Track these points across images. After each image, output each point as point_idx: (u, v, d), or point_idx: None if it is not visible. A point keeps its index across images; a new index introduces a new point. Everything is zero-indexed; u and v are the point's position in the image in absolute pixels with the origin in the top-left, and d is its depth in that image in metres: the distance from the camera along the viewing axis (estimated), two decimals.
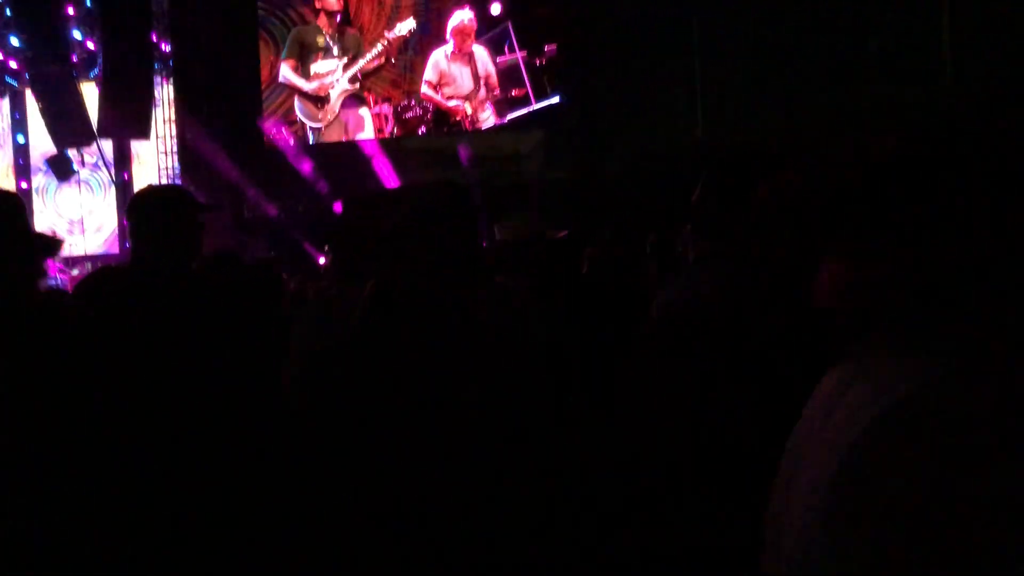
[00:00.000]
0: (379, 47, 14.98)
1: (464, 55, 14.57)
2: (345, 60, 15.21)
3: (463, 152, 13.78)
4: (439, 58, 14.76)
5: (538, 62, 14.05)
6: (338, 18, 15.24)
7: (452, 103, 14.59)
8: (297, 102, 15.34)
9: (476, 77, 14.46)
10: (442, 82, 14.65)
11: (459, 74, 14.58)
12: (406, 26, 14.81)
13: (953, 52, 8.30)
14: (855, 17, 9.22)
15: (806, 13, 10.07)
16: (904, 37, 8.81)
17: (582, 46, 13.44)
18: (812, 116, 9.11)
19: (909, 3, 8.90)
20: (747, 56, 10.64)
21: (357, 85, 15.22)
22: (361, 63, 15.10)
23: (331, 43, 15.38)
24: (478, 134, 14.04)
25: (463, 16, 14.55)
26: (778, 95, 10.01)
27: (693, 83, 11.90)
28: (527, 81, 14.09)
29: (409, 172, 13.49)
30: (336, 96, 15.19)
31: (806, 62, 9.71)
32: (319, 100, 15.26)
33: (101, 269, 2.84)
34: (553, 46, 13.88)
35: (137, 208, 2.57)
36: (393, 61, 14.95)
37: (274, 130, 14.71)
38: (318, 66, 15.38)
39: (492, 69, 14.41)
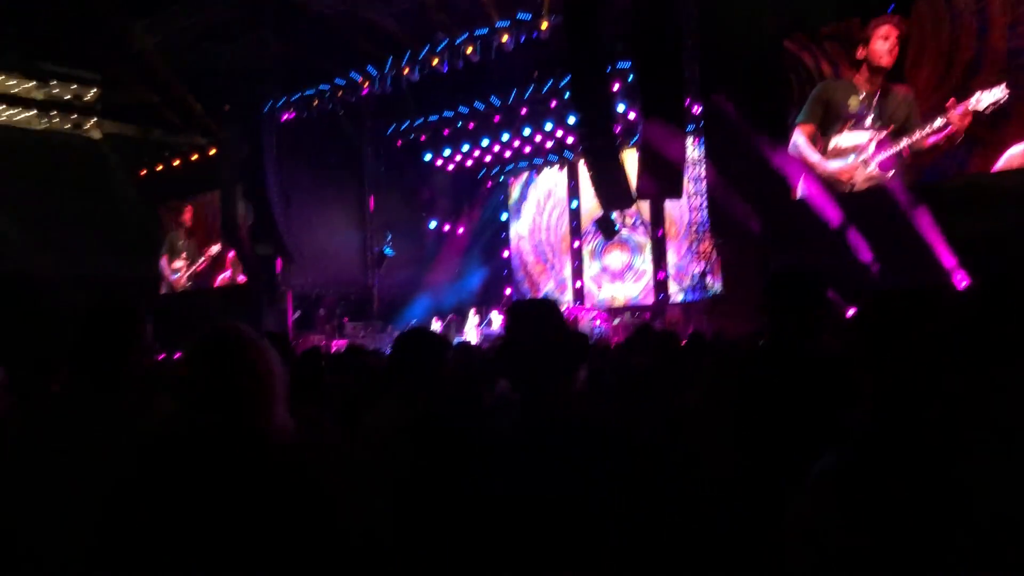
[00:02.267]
0: (940, 121, 11.40)
1: None
2: (882, 134, 12.14)
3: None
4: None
5: None
6: (883, 75, 12.30)
7: None
8: (802, 184, 13.31)
9: None
10: None
11: None
12: (991, 96, 11.02)
13: None
14: None
15: None
16: None
17: None
18: None
19: None
20: None
21: (890, 174, 12.02)
22: (906, 141, 11.83)
23: (866, 108, 12.23)
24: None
25: None
26: None
27: None
28: None
29: (951, 218, 12.12)
30: (860, 184, 12.49)
31: None
32: (836, 186, 12.93)
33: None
34: None
35: (774, 290, 2.76)
36: (957, 143, 11.30)
37: (806, 184, 13.99)
38: (843, 139, 12.65)
39: None
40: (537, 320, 2.31)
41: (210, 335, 2.05)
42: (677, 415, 3.23)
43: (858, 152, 12.50)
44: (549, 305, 2.41)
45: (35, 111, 34.84)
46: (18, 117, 33.96)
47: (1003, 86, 11.08)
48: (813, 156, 13.05)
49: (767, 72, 14.24)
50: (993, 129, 11.31)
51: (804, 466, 2.02)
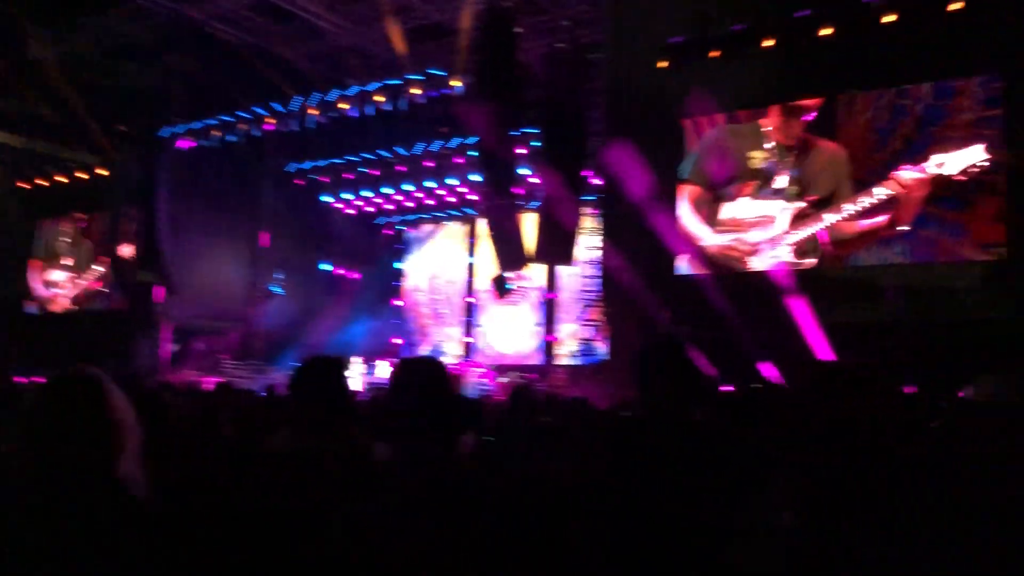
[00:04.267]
0: (881, 191, 9.64)
1: None
2: (797, 204, 10.19)
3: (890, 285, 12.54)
4: None
5: None
6: (804, 123, 10.50)
7: None
8: (686, 260, 12.77)
9: None
10: None
11: None
12: (963, 159, 9.05)
13: None
14: None
15: None
16: None
17: None
18: None
19: None
20: None
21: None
22: (829, 219, 9.99)
23: (777, 165, 10.13)
24: (909, 266, 12.69)
25: None
26: None
27: None
28: None
29: (825, 305, 12.76)
30: (760, 265, 11.31)
31: None
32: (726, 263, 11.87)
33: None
34: None
35: (644, 360, 2.78)
36: (900, 228, 9.89)
37: (689, 259, 14.26)
38: (740, 207, 10.70)
39: None
40: (423, 381, 2.25)
41: (58, 382, 2.00)
42: (549, 480, 3.23)
43: (763, 226, 10.01)
44: (435, 365, 2.35)
45: None
46: None
47: (981, 147, 8.44)
48: (695, 227, 10.84)
49: (666, 147, 14.67)
50: (956, 209, 8.86)
51: (685, 539, 2.05)
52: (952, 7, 11.88)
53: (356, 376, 17.68)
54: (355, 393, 4.83)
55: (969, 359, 10.88)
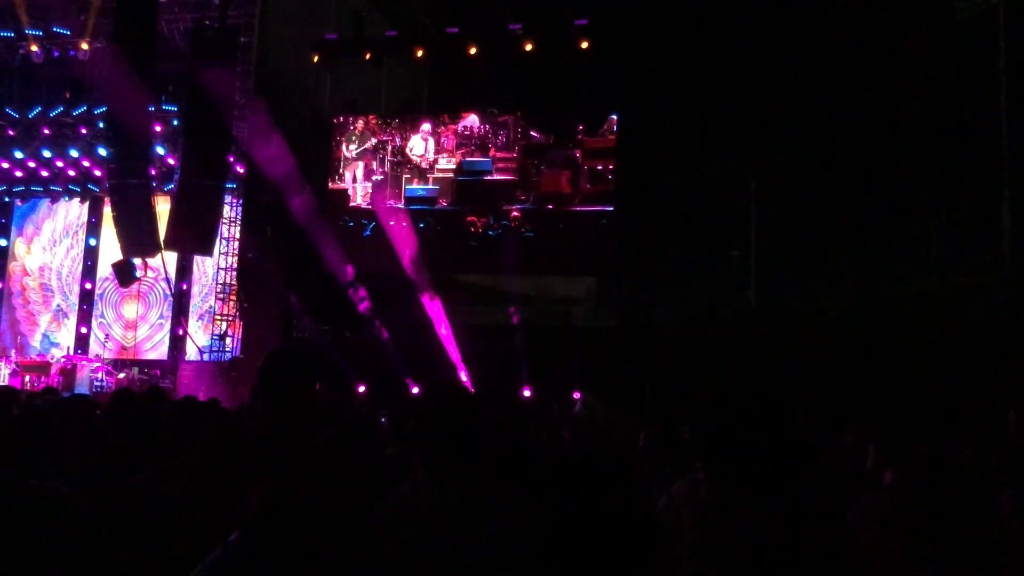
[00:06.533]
0: None
1: None
2: None
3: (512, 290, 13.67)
4: None
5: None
6: None
7: None
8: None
9: None
10: None
11: None
12: None
13: (1013, 246, 8.14)
14: (916, 203, 9.18)
15: (867, 192, 10.08)
16: (963, 227, 8.71)
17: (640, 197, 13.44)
18: (863, 296, 8.96)
19: (969, 192, 8.85)
20: (804, 230, 10.61)
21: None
22: None
23: None
24: (530, 276, 13.95)
25: None
26: (832, 273, 9.88)
27: (748, 249, 11.87)
28: None
29: (457, 308, 13.49)
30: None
31: (864, 241, 9.63)
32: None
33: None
34: None
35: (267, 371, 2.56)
36: None
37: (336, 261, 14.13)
38: None
39: None
40: None
41: None
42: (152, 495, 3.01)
43: None
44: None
45: None
46: None
47: None
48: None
49: (314, 140, 14.54)
50: None
51: None
52: (583, 44, 13.30)
53: None
54: None
55: (578, 363, 12.22)
